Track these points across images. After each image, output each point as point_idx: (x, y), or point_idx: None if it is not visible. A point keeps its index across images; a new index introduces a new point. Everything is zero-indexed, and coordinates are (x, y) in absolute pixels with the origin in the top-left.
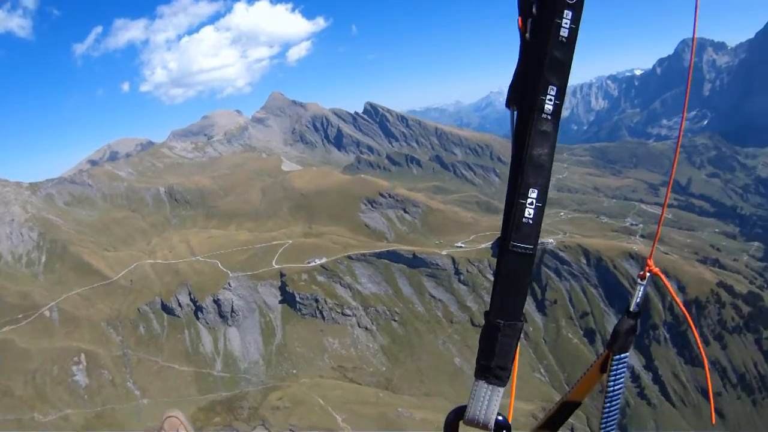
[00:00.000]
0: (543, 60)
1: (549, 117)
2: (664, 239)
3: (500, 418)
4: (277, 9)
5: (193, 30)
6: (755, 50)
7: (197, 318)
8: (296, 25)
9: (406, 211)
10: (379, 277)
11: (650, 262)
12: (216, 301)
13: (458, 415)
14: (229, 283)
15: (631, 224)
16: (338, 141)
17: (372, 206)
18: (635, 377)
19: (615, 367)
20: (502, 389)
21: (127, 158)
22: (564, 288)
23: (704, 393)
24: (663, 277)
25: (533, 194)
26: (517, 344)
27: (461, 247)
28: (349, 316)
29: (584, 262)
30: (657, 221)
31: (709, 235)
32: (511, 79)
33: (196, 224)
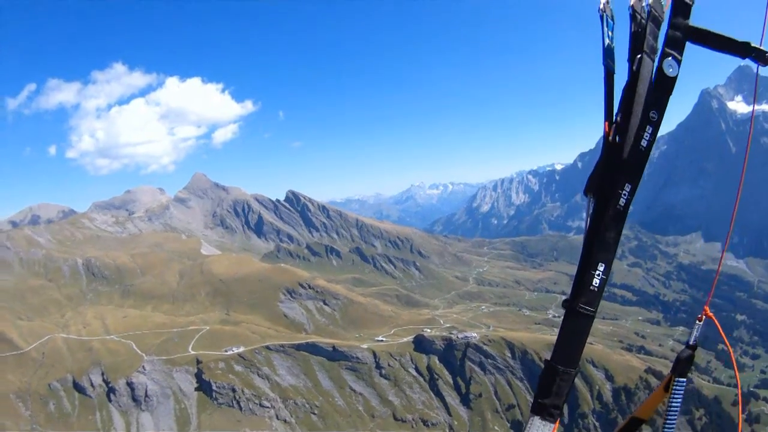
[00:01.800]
0: (624, 162)
1: (621, 208)
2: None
3: None
4: (208, 88)
5: (124, 101)
6: (675, 142)
7: (109, 400)
8: (225, 107)
9: (325, 303)
10: (297, 369)
11: (707, 308)
12: (129, 384)
13: None
14: (143, 366)
15: (554, 316)
16: (259, 228)
17: (291, 296)
18: None
19: (676, 388)
20: (553, 426)
21: (47, 224)
22: (489, 381)
23: None
24: (716, 321)
25: (601, 267)
26: (570, 389)
27: (382, 340)
28: (267, 407)
29: (509, 355)
30: None
31: (632, 323)
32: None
33: (112, 301)
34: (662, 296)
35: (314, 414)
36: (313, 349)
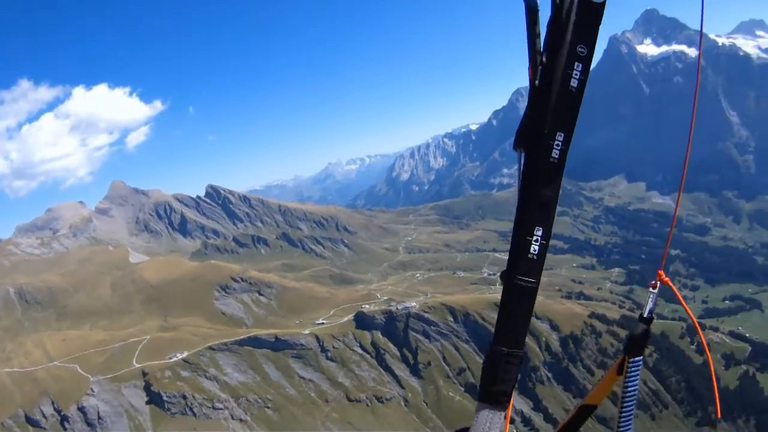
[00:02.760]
0: (552, 108)
1: (556, 160)
2: None
3: None
4: (116, 93)
5: (33, 117)
6: (588, 89)
7: (64, 428)
8: (134, 110)
9: (261, 294)
10: (244, 365)
11: (661, 272)
12: (81, 409)
13: None
14: (91, 389)
15: (489, 274)
16: (183, 227)
17: (225, 292)
18: (526, 420)
19: (631, 370)
20: (503, 413)
21: None
22: (435, 348)
23: (599, 419)
24: (673, 286)
25: (539, 232)
26: (518, 372)
27: (323, 323)
28: (221, 409)
29: (451, 319)
30: None
31: (567, 270)
32: (514, 126)
33: (49, 326)
34: (593, 241)
35: (268, 408)
36: (255, 342)
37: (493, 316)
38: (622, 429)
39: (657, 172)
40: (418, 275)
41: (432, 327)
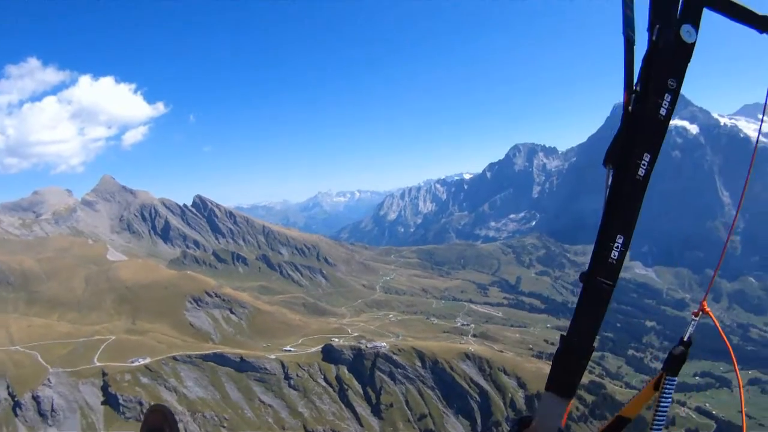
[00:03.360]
0: (642, 131)
1: (641, 179)
2: (497, 337)
3: (561, 429)
4: (121, 88)
5: (36, 97)
6: (585, 154)
7: (15, 414)
8: (136, 108)
9: (232, 312)
10: (205, 380)
11: (704, 304)
12: (35, 398)
13: (523, 424)
14: (49, 379)
15: (462, 324)
16: (165, 233)
17: (197, 305)
18: None
19: (667, 387)
20: (568, 402)
21: None
22: (399, 391)
23: None
24: (713, 316)
25: (620, 240)
26: (586, 365)
27: (290, 350)
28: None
29: (419, 364)
30: (486, 320)
31: (541, 330)
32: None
33: (17, 309)
34: (570, 304)
35: (223, 427)
36: (220, 359)
37: (464, 367)
38: None
39: (643, 243)
40: (391, 316)
41: (399, 369)
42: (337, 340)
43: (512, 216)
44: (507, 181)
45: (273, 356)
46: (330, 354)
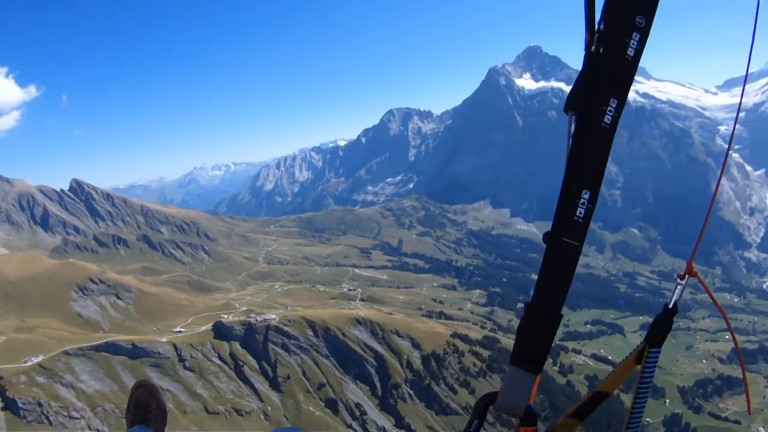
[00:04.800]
0: (608, 74)
1: (608, 126)
2: (384, 300)
3: (530, 406)
4: None
5: None
6: (460, 116)
7: None
8: (8, 92)
9: (119, 297)
10: (100, 372)
11: (692, 266)
12: None
13: (489, 401)
14: None
15: (349, 289)
16: (45, 221)
17: (83, 293)
18: None
19: (650, 359)
20: (535, 377)
21: None
22: (295, 362)
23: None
24: (701, 280)
25: (586, 195)
26: (554, 335)
27: (181, 331)
28: (77, 418)
29: (311, 333)
30: (372, 284)
31: (428, 289)
32: (568, 89)
33: None
34: (455, 262)
35: (125, 419)
36: (113, 348)
37: (356, 332)
38: (635, 416)
39: (522, 200)
40: (277, 287)
41: (291, 340)
42: (226, 316)
43: (389, 180)
44: (382, 145)
45: (164, 339)
46: (221, 331)
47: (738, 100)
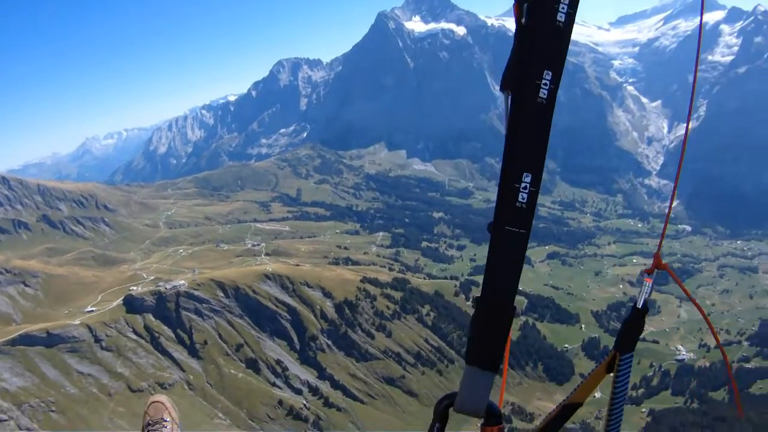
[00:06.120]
0: (539, 45)
1: (544, 101)
2: (290, 252)
3: (492, 405)
4: None
5: None
6: (350, 63)
7: None
8: None
9: (26, 285)
10: (20, 367)
11: (658, 259)
12: None
13: (449, 402)
14: None
15: (253, 245)
16: None
17: None
18: (314, 390)
19: (622, 367)
20: (494, 375)
21: None
22: (210, 327)
23: (386, 380)
24: (671, 271)
25: (527, 178)
26: (509, 329)
27: (93, 311)
28: (5, 420)
29: (222, 295)
30: (275, 236)
31: (332, 237)
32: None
33: None
34: (355, 207)
35: (53, 412)
36: (28, 340)
37: (266, 288)
38: (611, 425)
39: (418, 140)
40: (181, 251)
41: (203, 305)
42: (135, 288)
43: (282, 131)
44: (273, 97)
45: (77, 321)
46: (132, 305)
47: (630, 36)
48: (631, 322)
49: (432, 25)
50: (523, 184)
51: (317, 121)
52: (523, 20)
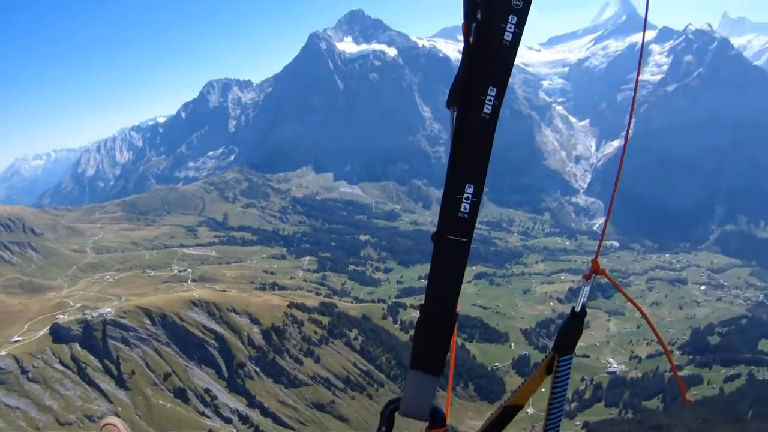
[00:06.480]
0: (485, 62)
1: (488, 117)
2: (216, 278)
3: (436, 408)
4: None
5: None
6: (280, 84)
7: None
8: None
9: None
10: None
11: (596, 264)
12: None
13: (394, 406)
14: None
15: (179, 271)
16: None
17: None
18: (244, 419)
19: (561, 368)
20: (437, 379)
21: None
22: (137, 355)
23: (317, 406)
24: (608, 275)
25: (469, 189)
26: (452, 334)
27: (19, 341)
28: None
29: (148, 322)
30: (202, 262)
31: (258, 262)
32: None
33: None
34: (282, 231)
35: None
36: None
37: (194, 315)
38: (550, 427)
39: (345, 163)
40: (108, 277)
41: (130, 333)
42: (61, 316)
43: (210, 153)
44: (202, 119)
45: (4, 352)
46: (59, 334)
47: (560, 56)
48: (569, 325)
49: (363, 47)
50: (465, 195)
51: (245, 143)
52: (471, 39)
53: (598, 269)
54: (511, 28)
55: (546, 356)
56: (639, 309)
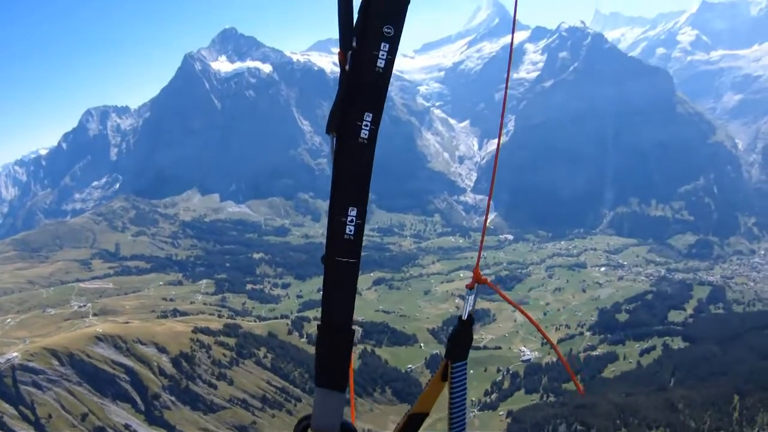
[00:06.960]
0: (360, 89)
1: (365, 141)
2: (117, 310)
3: (345, 423)
4: None
5: None
6: (158, 108)
7: None
8: None
9: None
10: None
11: (477, 273)
12: None
13: (306, 423)
14: None
15: (79, 306)
16: None
17: None
18: None
19: (455, 374)
20: (343, 395)
21: None
22: (51, 398)
23: (239, 429)
24: (490, 283)
25: (353, 212)
26: (351, 349)
27: None
28: None
29: (57, 363)
30: (100, 295)
31: (155, 290)
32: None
33: None
34: (175, 256)
35: None
36: None
37: (101, 350)
38: None
39: (230, 183)
40: (9, 320)
41: (40, 376)
42: None
43: (95, 183)
44: (84, 148)
45: None
46: None
47: (435, 61)
48: (458, 332)
49: (238, 64)
50: (349, 218)
51: (129, 170)
52: (347, 67)
53: (480, 278)
54: (383, 55)
55: (440, 364)
56: (522, 312)
